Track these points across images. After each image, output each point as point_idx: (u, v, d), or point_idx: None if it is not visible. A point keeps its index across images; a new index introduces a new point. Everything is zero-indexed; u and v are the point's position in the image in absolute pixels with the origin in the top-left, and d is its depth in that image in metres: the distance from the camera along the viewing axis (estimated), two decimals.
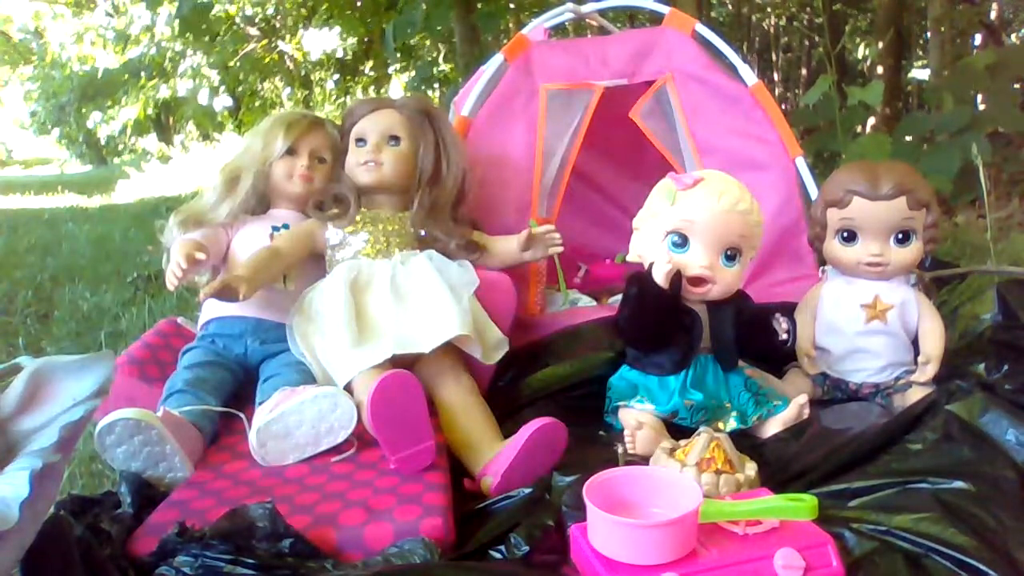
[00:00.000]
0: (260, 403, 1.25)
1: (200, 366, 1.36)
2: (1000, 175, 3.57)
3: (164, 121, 11.42)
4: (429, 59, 7.70)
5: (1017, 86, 4.38)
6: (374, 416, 1.09)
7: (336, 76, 8.76)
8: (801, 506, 0.90)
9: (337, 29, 7.30)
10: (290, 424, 1.16)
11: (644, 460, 1.20)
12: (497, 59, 1.86)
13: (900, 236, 1.39)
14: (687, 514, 0.86)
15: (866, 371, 1.44)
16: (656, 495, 0.96)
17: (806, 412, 1.32)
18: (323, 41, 7.46)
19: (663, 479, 0.99)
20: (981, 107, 3.73)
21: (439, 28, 4.67)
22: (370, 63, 8.31)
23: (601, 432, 1.37)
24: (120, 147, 12.03)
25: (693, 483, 0.97)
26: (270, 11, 8.45)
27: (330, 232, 1.52)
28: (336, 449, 1.18)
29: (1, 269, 3.33)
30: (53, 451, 0.79)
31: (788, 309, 1.41)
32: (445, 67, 7.51)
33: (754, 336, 1.37)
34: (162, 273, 1.40)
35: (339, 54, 8.05)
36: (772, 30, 9.77)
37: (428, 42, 7.57)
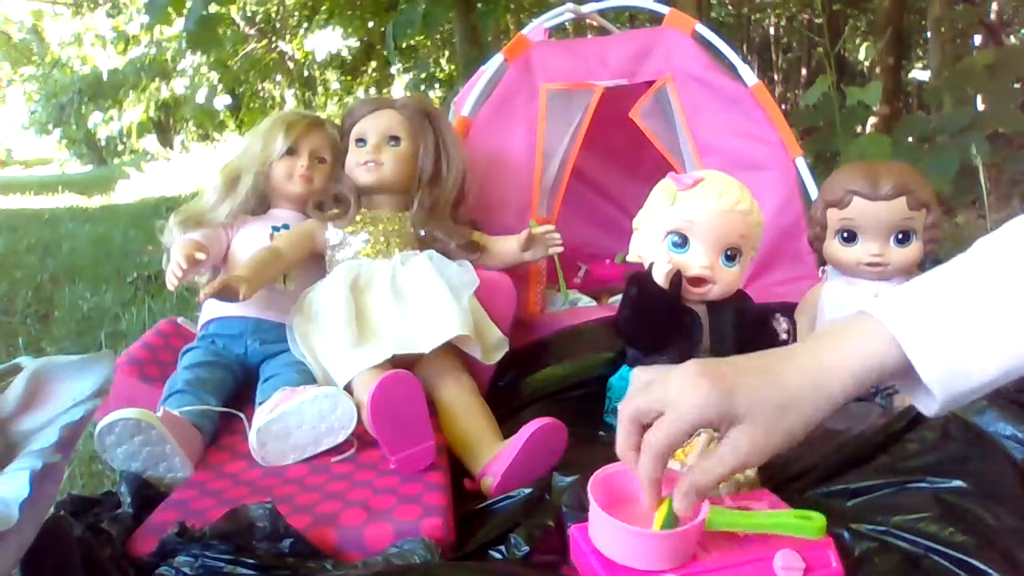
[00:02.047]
0: (260, 403, 1.25)
1: (200, 366, 1.36)
2: (1000, 175, 3.57)
3: (164, 121, 11.42)
4: (431, 60, 7.71)
5: (1017, 86, 4.38)
6: (374, 416, 1.09)
7: (340, 76, 8.77)
8: (811, 525, 0.90)
9: (339, 29, 7.30)
10: (290, 424, 1.16)
11: None
12: (497, 59, 1.86)
13: (900, 236, 1.39)
14: (693, 525, 0.86)
15: None
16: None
17: None
18: (327, 41, 7.47)
19: (668, 479, 0.97)
20: (981, 107, 3.73)
21: (437, 28, 4.68)
22: (372, 63, 8.32)
23: (601, 432, 1.37)
24: (120, 147, 12.03)
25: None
26: (272, 11, 8.45)
27: (330, 232, 1.52)
28: (336, 449, 1.18)
29: (1, 269, 3.33)
30: (53, 451, 0.78)
31: (788, 309, 1.41)
32: (447, 67, 7.52)
33: (754, 336, 1.37)
34: (162, 273, 1.40)
35: (342, 54, 8.06)
36: (772, 30, 9.77)
37: (429, 43, 7.58)
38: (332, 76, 8.76)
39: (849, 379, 0.65)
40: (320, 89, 8.91)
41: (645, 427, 0.73)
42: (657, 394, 0.71)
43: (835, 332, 0.68)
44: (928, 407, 0.68)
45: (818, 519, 0.89)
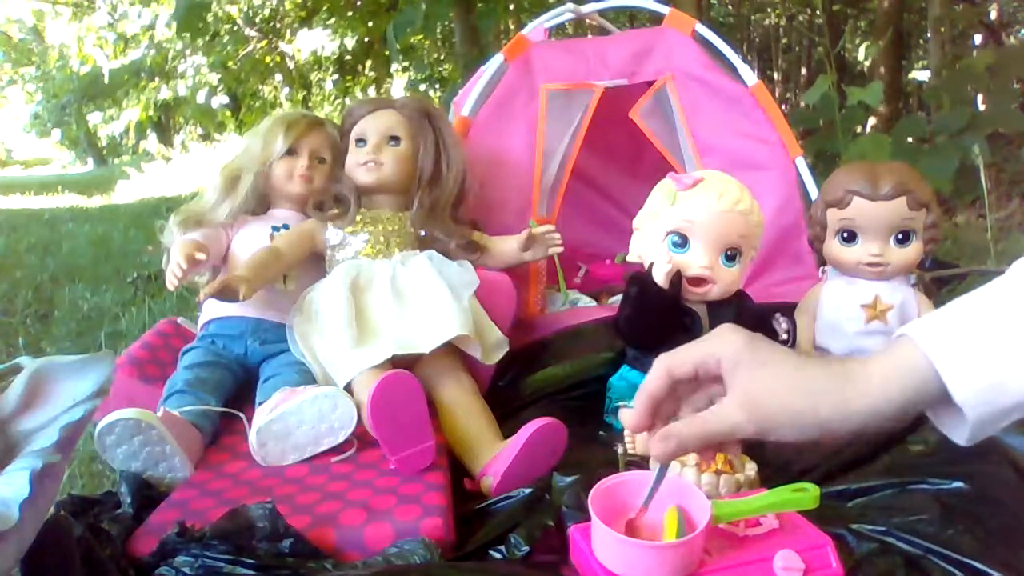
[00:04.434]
0: (260, 403, 1.25)
1: (200, 366, 1.36)
2: (1000, 175, 3.57)
3: (164, 122, 11.42)
4: (431, 60, 7.70)
5: (1017, 86, 4.38)
6: (374, 416, 1.09)
7: (335, 76, 8.77)
8: (807, 496, 0.90)
9: (327, 29, 7.29)
10: (290, 424, 1.16)
11: (644, 460, 1.20)
12: (497, 59, 1.86)
13: (900, 236, 1.39)
14: (696, 536, 0.85)
15: None
16: (662, 500, 0.93)
17: None
18: (313, 40, 7.45)
19: (671, 486, 0.96)
20: (981, 107, 3.73)
21: (437, 27, 4.69)
22: (369, 63, 8.31)
23: (601, 432, 1.37)
24: (120, 147, 12.04)
25: (701, 495, 0.93)
26: (271, 11, 8.45)
27: (330, 232, 1.52)
28: (336, 449, 1.18)
29: (1, 269, 3.33)
30: (53, 451, 0.78)
31: (788, 309, 1.41)
32: (447, 68, 7.51)
33: None
34: (162, 273, 1.40)
35: (338, 54, 8.06)
36: (772, 30, 9.77)
37: (428, 42, 7.58)
38: (326, 76, 8.75)
39: (874, 387, 0.62)
40: (316, 89, 8.91)
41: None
42: None
43: (875, 352, 0.65)
44: (959, 433, 0.64)
45: (813, 489, 0.91)
